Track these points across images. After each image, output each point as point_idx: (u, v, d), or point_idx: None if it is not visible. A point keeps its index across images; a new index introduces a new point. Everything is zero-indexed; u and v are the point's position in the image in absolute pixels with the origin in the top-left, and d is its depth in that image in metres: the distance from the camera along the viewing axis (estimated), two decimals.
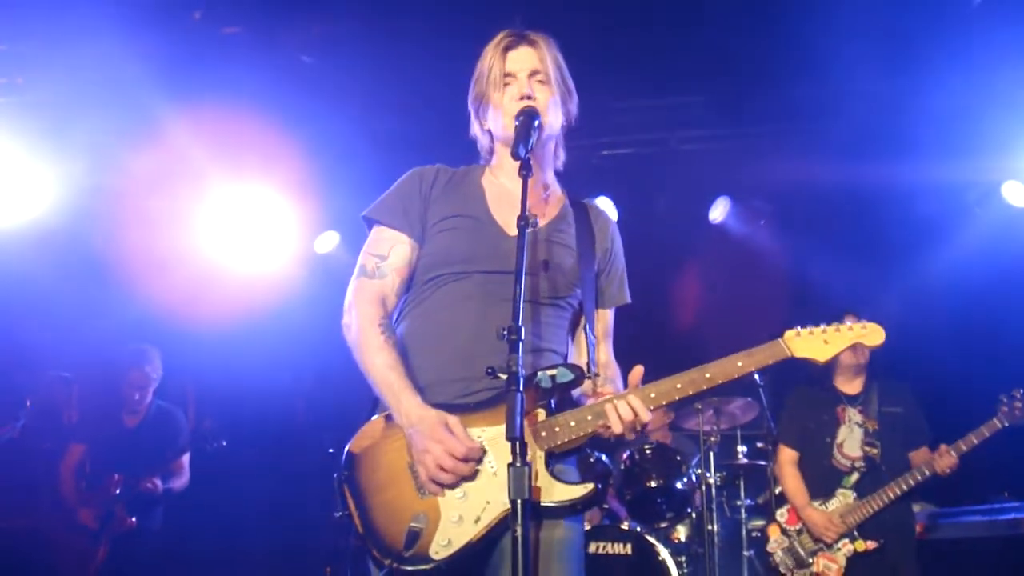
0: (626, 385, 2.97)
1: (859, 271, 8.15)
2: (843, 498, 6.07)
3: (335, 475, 2.90)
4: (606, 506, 7.47)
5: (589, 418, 2.85)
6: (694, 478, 7.14)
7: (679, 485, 7.06)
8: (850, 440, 6.18)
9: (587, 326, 3.18)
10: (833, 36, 6.25)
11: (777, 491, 6.73)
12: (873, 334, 3.12)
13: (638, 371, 2.94)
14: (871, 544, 5.96)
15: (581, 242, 3.23)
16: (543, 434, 2.84)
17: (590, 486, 2.82)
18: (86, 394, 7.47)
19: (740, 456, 7.43)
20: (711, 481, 7.13)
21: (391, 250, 3.15)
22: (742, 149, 8.06)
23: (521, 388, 2.46)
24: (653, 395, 2.88)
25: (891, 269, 8.02)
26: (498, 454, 2.79)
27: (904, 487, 5.95)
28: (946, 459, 5.89)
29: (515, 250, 2.83)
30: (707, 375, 2.91)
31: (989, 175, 7.75)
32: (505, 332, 2.54)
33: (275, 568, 8.30)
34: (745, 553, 7.25)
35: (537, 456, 2.81)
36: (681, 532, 7.40)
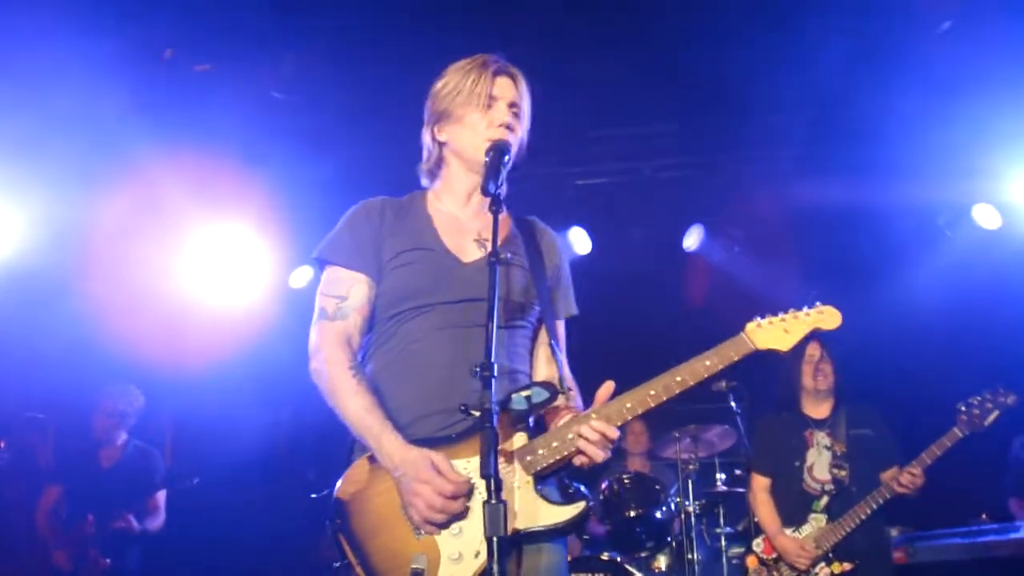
0: (591, 402, 2.91)
1: (832, 293, 8.18)
2: (816, 523, 6.07)
3: (327, 523, 2.85)
4: (586, 536, 7.45)
5: (569, 437, 2.82)
6: (673, 507, 7.13)
7: (658, 514, 7.05)
8: (819, 463, 6.18)
9: (552, 341, 3.17)
10: (805, 62, 6.32)
11: (756, 519, 6.74)
12: (830, 317, 3.14)
13: (607, 388, 2.88)
14: (847, 565, 5.94)
15: (532, 261, 3.21)
16: (528, 459, 2.81)
17: (582, 504, 2.80)
18: (63, 434, 7.45)
19: (719, 484, 7.43)
20: (690, 509, 7.13)
21: (350, 290, 3.10)
22: (716, 176, 8.11)
23: (495, 425, 2.44)
24: (629, 405, 2.84)
25: (863, 292, 8.04)
26: (487, 484, 2.78)
27: (873, 506, 5.94)
28: (907, 475, 5.88)
29: (472, 277, 2.89)
30: (677, 378, 2.87)
31: (960, 197, 7.82)
32: (478, 369, 2.51)
33: None
34: None
35: (525, 481, 2.79)
36: (662, 561, 7.38)
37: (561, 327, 3.30)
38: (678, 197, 8.37)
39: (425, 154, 3.29)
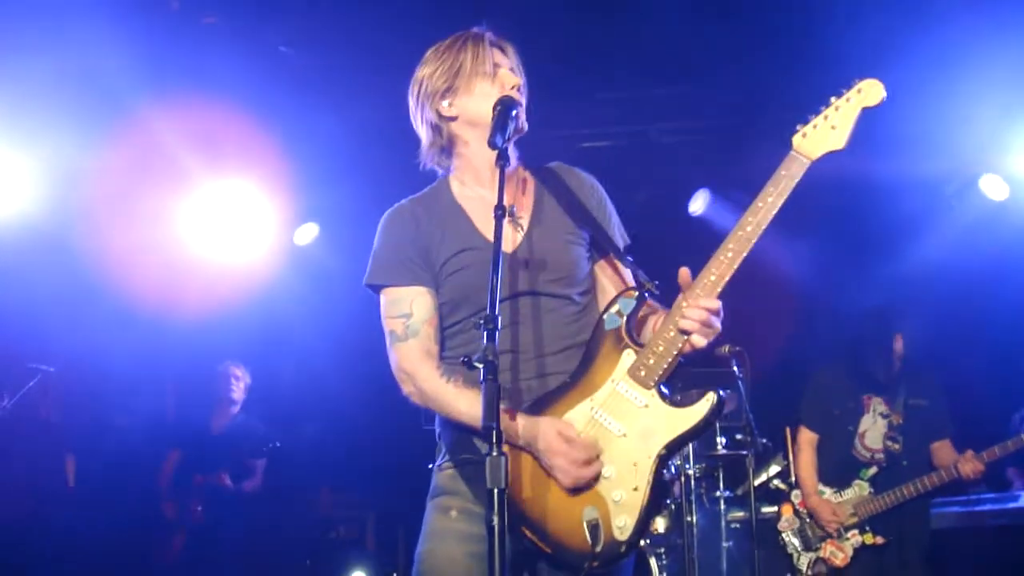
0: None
1: (838, 264, 8.18)
2: (858, 489, 6.06)
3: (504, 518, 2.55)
4: None
5: (672, 336, 2.77)
6: (673, 469, 7.15)
7: (662, 492, 7.06)
8: (872, 432, 6.13)
9: (617, 261, 3.14)
10: (813, 28, 6.26)
11: (756, 482, 6.76)
12: (871, 90, 2.88)
13: (684, 272, 2.82)
14: (879, 539, 5.95)
15: (570, 207, 3.16)
16: (642, 373, 2.80)
17: (712, 396, 2.79)
18: (64, 385, 7.75)
19: (719, 447, 7.43)
20: (690, 472, 7.15)
21: (412, 305, 3.03)
22: (722, 141, 8.07)
23: (497, 378, 2.42)
24: (713, 277, 2.77)
25: (870, 262, 8.04)
26: (615, 413, 2.80)
27: (923, 488, 5.93)
28: (972, 464, 5.88)
29: (518, 263, 2.91)
30: (747, 228, 2.77)
31: (967, 169, 7.78)
32: (481, 322, 2.49)
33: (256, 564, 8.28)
34: (724, 544, 7.27)
35: (650, 396, 2.79)
36: (660, 524, 7.41)
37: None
38: (684, 161, 8.33)
39: (428, 136, 3.18)
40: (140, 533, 7.75)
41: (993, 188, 7.68)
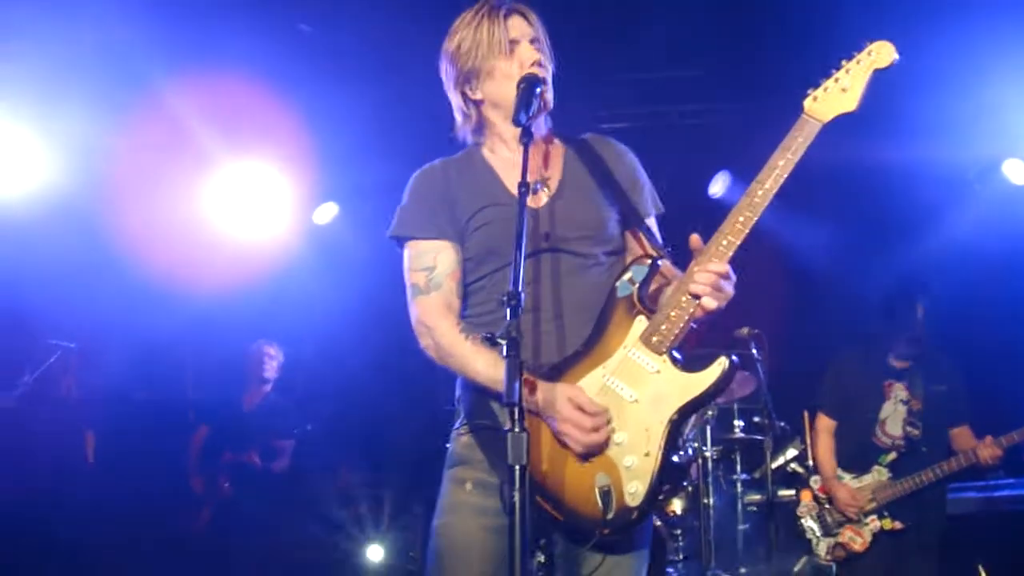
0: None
1: (859, 248, 8.14)
2: (878, 475, 6.05)
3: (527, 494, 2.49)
4: None
5: (683, 301, 2.78)
6: (690, 452, 7.15)
7: (675, 459, 7.06)
8: (893, 418, 6.11)
9: (639, 228, 3.11)
10: (836, 11, 6.22)
11: (774, 465, 6.76)
12: (882, 52, 2.87)
13: (694, 239, 2.83)
14: (898, 524, 5.95)
15: (600, 175, 3.15)
16: (654, 339, 2.80)
17: (723, 359, 2.80)
18: (86, 362, 7.86)
19: (737, 430, 7.44)
20: (708, 455, 7.15)
21: (436, 258, 3.03)
22: (743, 123, 8.02)
23: (519, 353, 2.42)
24: (724, 243, 2.78)
25: (891, 247, 8.00)
26: (628, 380, 2.80)
27: (942, 473, 5.93)
28: (991, 450, 5.87)
29: (543, 221, 2.91)
30: (759, 192, 2.78)
31: (990, 153, 7.74)
32: (504, 298, 2.48)
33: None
34: (740, 527, 7.28)
35: (662, 362, 2.80)
36: (677, 505, 7.41)
37: (652, 224, 3.21)
38: (704, 143, 8.30)
39: (459, 117, 3.20)
40: (163, 508, 7.77)
41: (1016, 173, 7.63)
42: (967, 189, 7.95)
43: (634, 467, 2.74)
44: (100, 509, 7.28)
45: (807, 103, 2.85)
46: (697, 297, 2.76)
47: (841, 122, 2.87)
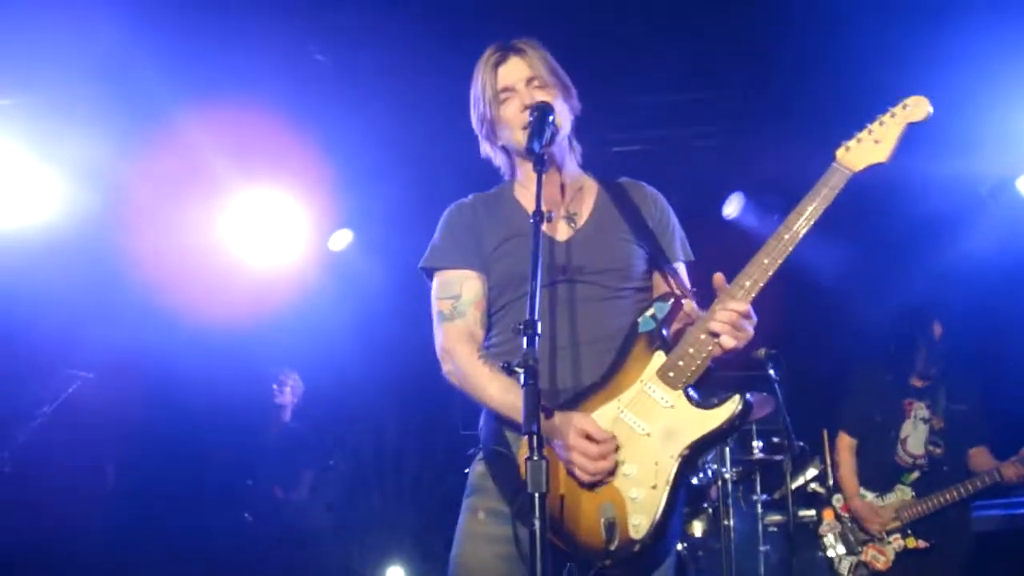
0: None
1: (874, 265, 8.12)
2: (901, 494, 6.04)
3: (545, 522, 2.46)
4: None
5: (702, 338, 2.81)
6: (710, 473, 7.13)
7: (695, 480, 7.05)
8: (914, 437, 6.10)
9: (665, 269, 3.15)
10: (849, 31, 6.23)
11: (793, 486, 6.72)
12: (917, 107, 2.93)
13: (718, 277, 2.87)
14: (921, 543, 5.93)
15: (630, 218, 3.21)
16: (671, 375, 2.83)
17: (737, 397, 2.80)
18: (107, 392, 7.74)
19: (756, 451, 7.41)
20: (727, 476, 7.12)
21: (462, 288, 3.12)
22: (756, 145, 8.02)
23: (537, 382, 2.43)
24: (748, 283, 2.81)
25: (906, 263, 7.98)
26: (641, 413, 2.82)
27: (965, 492, 5.90)
28: (1015, 469, 5.84)
29: (568, 255, 2.95)
30: (785, 236, 2.82)
31: (1004, 169, 7.71)
32: (521, 327, 2.51)
33: None
34: (761, 548, 7.24)
35: (676, 396, 2.81)
36: (697, 527, 7.40)
37: (681, 269, 3.27)
38: (717, 164, 8.30)
39: (496, 161, 3.36)
40: (183, 533, 7.76)
41: None
42: (982, 205, 7.92)
43: (640, 500, 2.75)
44: (119, 537, 7.29)
45: (839, 153, 2.91)
46: (716, 335, 2.79)
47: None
